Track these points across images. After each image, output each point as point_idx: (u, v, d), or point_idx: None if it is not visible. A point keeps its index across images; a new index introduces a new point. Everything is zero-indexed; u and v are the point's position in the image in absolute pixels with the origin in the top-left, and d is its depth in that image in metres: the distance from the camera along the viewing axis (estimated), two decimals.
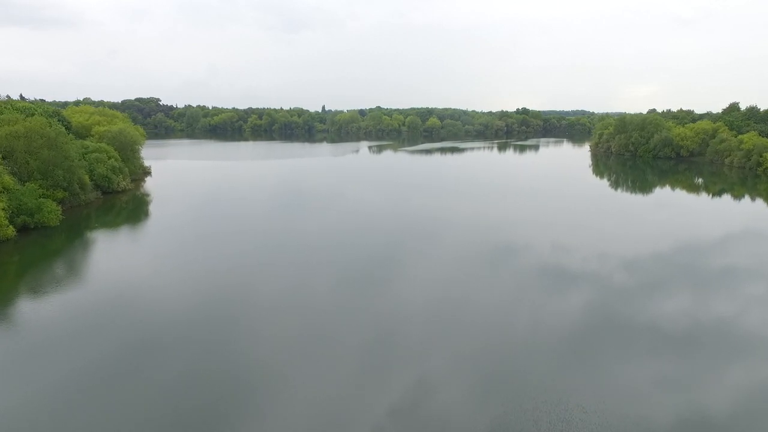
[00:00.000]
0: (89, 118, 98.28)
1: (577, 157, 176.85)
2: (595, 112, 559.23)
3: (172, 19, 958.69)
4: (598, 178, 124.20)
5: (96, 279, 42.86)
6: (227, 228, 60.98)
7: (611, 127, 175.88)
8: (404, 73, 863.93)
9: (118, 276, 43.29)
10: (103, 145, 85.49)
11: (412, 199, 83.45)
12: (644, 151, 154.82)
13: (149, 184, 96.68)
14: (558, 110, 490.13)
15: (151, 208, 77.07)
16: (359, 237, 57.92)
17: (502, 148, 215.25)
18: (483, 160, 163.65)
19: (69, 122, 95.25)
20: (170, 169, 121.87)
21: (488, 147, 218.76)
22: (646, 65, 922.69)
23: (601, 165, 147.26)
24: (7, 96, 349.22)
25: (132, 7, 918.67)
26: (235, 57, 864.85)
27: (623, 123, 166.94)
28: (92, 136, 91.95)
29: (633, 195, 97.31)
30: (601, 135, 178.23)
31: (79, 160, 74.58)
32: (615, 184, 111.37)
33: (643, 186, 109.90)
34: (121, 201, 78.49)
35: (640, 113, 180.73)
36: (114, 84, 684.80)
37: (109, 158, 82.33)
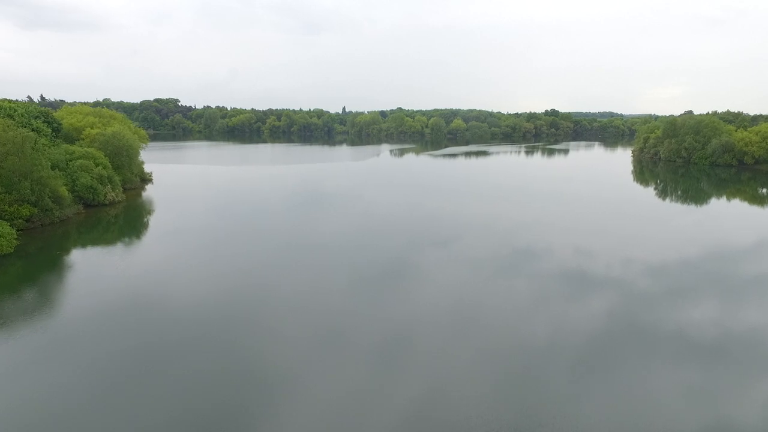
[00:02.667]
0: (83, 119, 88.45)
1: (617, 162, 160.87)
2: (623, 114, 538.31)
3: (193, 23, 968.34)
4: (642, 186, 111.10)
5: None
6: (230, 260, 49.46)
7: (658, 130, 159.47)
8: (423, 75, 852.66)
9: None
10: (91, 150, 75.13)
11: (444, 205, 71.07)
12: (700, 157, 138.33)
13: (148, 194, 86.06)
14: (583, 112, 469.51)
15: (143, 223, 66.27)
16: (383, 239, 57.09)
17: (533, 152, 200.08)
18: (517, 166, 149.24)
19: (59, 124, 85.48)
20: (177, 175, 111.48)
21: (518, 151, 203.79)
22: (671, 66, 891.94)
23: (646, 172, 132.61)
24: (28, 97, 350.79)
25: (154, 11, 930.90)
26: (255, 59, 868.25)
27: (673, 126, 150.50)
28: (82, 139, 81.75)
29: (683, 205, 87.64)
30: (646, 139, 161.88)
31: (56, 169, 64.11)
32: (662, 194, 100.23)
33: (696, 196, 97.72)
34: (107, 216, 67.67)
35: (693, 114, 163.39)
36: (136, 86, 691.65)
37: (97, 165, 71.82)
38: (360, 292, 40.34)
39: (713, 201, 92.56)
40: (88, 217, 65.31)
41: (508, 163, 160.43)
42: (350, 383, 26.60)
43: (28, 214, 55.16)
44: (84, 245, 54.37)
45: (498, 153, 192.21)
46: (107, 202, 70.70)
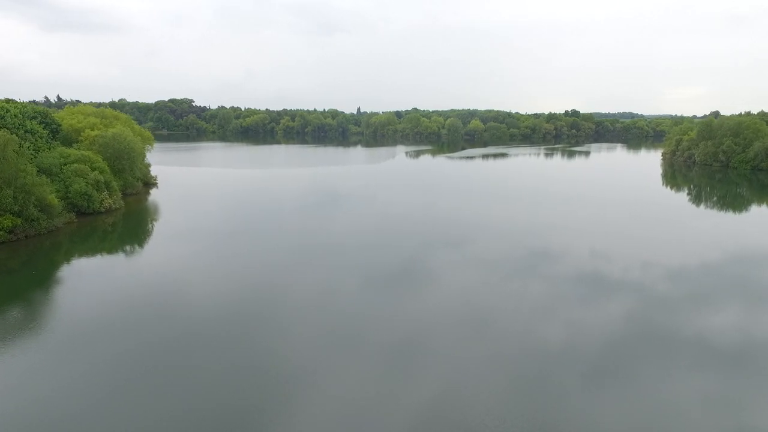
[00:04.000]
0: (84, 120, 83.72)
1: (645, 166, 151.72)
2: (644, 114, 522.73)
3: (211, 24, 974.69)
4: (673, 190, 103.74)
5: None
6: (238, 267, 43.64)
7: (692, 131, 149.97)
8: (439, 76, 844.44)
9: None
10: (88, 153, 70.08)
11: (465, 208, 64.34)
12: (740, 161, 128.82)
13: (152, 199, 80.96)
14: (603, 113, 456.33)
15: (142, 231, 60.94)
16: (398, 239, 57.16)
17: (555, 154, 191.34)
18: (542, 169, 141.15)
19: (59, 125, 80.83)
20: (185, 178, 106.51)
21: (540, 153, 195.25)
22: (693, 66, 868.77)
23: (678, 176, 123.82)
24: (45, 97, 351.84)
25: (174, 13, 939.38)
26: (271, 60, 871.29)
27: (709, 128, 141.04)
28: (80, 142, 76.88)
29: (719, 212, 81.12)
30: (679, 141, 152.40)
31: (47, 174, 59.10)
32: (696, 199, 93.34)
33: (734, 203, 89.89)
34: (103, 225, 62.42)
35: (733, 115, 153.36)
36: (154, 86, 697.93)
37: (93, 170, 66.69)
38: (374, 293, 40.03)
39: (754, 208, 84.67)
40: (81, 227, 60.09)
41: (532, 165, 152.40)
42: (362, 384, 26.40)
43: (11, 225, 50.00)
44: (72, 258, 48.97)
45: (519, 155, 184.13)
46: (103, 210, 65.44)
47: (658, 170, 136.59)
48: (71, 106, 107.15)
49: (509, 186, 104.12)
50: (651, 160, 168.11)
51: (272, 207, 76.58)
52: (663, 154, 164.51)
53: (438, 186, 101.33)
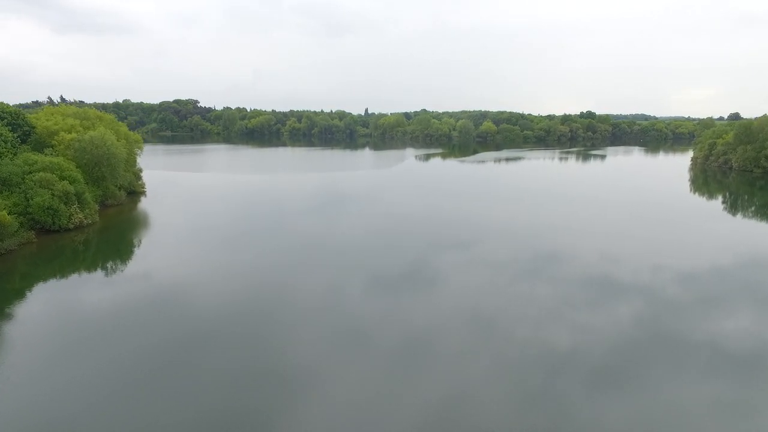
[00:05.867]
0: (62, 121, 74.92)
1: (673, 171, 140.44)
2: (656, 116, 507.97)
3: (220, 26, 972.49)
4: (720, 200, 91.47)
5: None
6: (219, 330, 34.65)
7: (728, 135, 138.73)
8: (448, 77, 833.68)
9: None
10: (58, 160, 61.08)
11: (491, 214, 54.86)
12: None
13: (136, 212, 71.88)
14: (614, 114, 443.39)
15: (115, 252, 51.66)
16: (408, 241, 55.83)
17: (575, 158, 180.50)
18: (569, 176, 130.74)
19: (32, 128, 72.09)
20: (179, 185, 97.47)
21: (559, 157, 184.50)
22: (704, 66, 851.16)
23: (711, 183, 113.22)
24: (48, 98, 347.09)
25: (184, 15, 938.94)
26: (279, 61, 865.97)
27: (748, 130, 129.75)
28: (53, 146, 67.96)
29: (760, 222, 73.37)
30: (713, 145, 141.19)
31: (1, 185, 50.17)
32: (732, 209, 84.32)
33: None
34: (72, 243, 53.28)
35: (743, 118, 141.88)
36: (163, 88, 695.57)
37: (63, 179, 57.71)
38: (382, 295, 39.63)
39: None
40: (43, 248, 50.97)
41: (558, 171, 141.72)
42: (367, 386, 26.23)
43: None
44: (25, 287, 39.68)
45: (538, 159, 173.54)
46: (72, 227, 56.38)
47: (688, 176, 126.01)
48: (50, 106, 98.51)
49: (546, 193, 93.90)
50: (678, 164, 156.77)
51: (272, 222, 66.98)
52: (694, 159, 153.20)
53: (458, 191, 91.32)
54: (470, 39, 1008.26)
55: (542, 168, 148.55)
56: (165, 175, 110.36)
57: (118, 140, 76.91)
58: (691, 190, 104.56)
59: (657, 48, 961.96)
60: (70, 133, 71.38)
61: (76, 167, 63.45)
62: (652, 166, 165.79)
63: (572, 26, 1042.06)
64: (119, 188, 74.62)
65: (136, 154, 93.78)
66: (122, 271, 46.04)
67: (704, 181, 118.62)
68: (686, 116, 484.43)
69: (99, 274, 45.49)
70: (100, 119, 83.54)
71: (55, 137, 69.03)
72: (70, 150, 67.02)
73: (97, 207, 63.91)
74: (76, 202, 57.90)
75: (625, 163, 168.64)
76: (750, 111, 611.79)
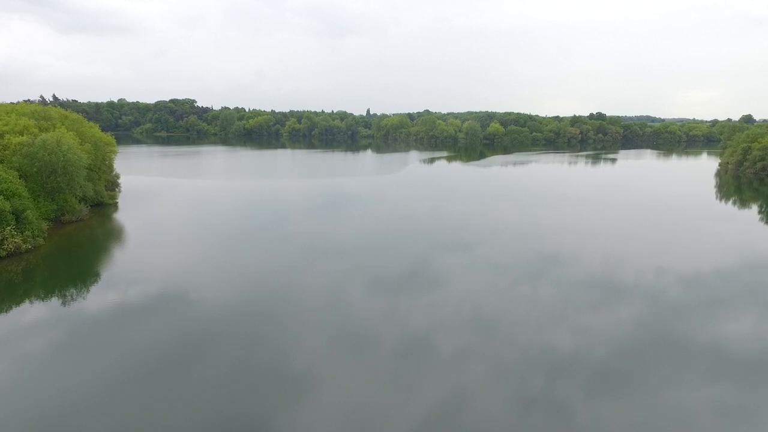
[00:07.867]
0: (15, 122, 63.88)
1: (694, 175, 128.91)
2: (662, 117, 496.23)
3: (223, 26, 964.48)
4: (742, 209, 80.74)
5: None
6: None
7: (764, 138, 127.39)
8: (451, 78, 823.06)
9: None
10: None
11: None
12: None
13: (100, 231, 60.70)
14: (620, 116, 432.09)
15: (59, 285, 40.32)
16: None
17: (591, 162, 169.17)
18: (595, 182, 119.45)
19: None
20: (157, 193, 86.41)
21: (576, 161, 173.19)
22: (709, 68, 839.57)
23: (746, 191, 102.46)
24: (41, 96, 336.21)
25: (187, 15, 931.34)
26: (282, 62, 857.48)
27: None
28: None
29: None
30: (747, 150, 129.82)
31: None
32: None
33: None
34: (4, 275, 42.26)
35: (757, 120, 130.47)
36: (165, 88, 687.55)
37: None
38: (385, 296, 38.49)
39: None
40: None
41: (579, 177, 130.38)
42: (368, 388, 25.86)
43: None
44: None
45: (552, 163, 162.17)
46: (4, 254, 45.29)
47: (709, 180, 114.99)
48: (7, 104, 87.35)
49: (578, 206, 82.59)
50: (703, 169, 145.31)
51: (269, 242, 55.75)
52: (723, 164, 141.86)
53: (471, 198, 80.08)
54: (473, 40, 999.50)
55: (564, 173, 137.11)
56: (148, 182, 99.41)
57: (82, 143, 66.01)
58: (737, 205, 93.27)
59: (660, 50, 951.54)
60: (22, 135, 60.41)
61: (20, 177, 52.43)
62: (677, 171, 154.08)
63: (576, 28, 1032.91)
64: (81, 200, 63.54)
65: (112, 159, 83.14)
66: (65, 306, 34.89)
67: (737, 188, 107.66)
68: (691, 118, 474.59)
69: (33, 313, 34.31)
70: (64, 118, 72.57)
71: (1, 140, 57.97)
72: (17, 156, 56.02)
73: (46, 226, 52.85)
74: (13, 222, 46.84)
75: (648, 169, 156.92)
76: (762, 112, 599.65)
